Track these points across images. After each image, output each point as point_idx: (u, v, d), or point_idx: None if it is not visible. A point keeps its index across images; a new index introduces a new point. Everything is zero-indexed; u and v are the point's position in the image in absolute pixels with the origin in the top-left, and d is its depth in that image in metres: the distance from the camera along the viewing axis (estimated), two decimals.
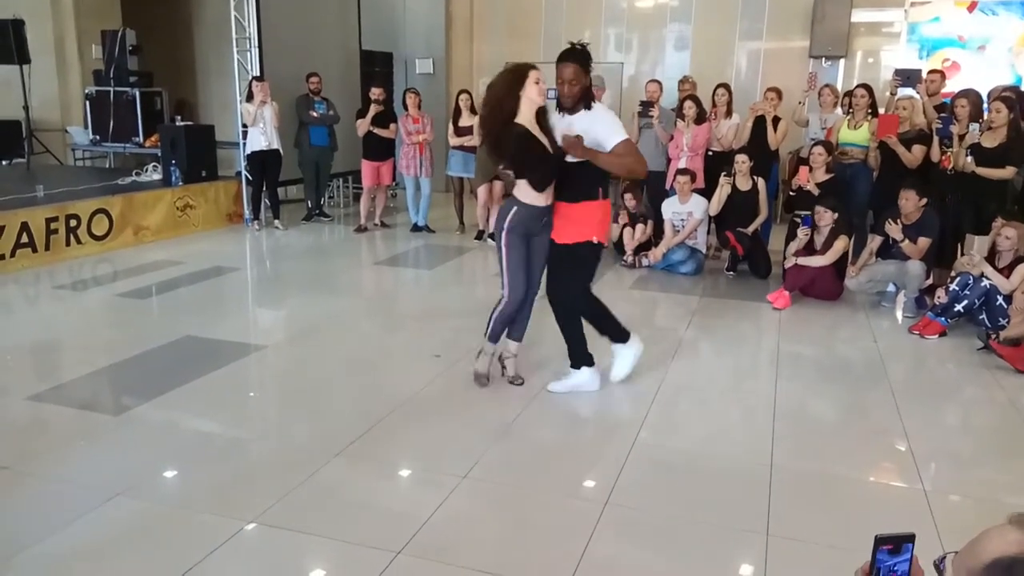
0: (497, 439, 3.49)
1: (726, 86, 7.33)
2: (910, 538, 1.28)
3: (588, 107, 3.78)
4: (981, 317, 5.07)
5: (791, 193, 6.51)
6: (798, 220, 6.19)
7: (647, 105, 7.23)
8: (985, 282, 5.00)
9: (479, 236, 8.03)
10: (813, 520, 2.88)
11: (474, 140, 7.75)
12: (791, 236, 6.23)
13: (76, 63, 11.08)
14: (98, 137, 10.31)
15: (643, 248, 6.98)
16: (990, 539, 1.11)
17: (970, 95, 6.01)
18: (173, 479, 3.14)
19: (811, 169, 6.29)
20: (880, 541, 1.28)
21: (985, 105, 6.02)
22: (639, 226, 6.98)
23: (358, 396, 4.05)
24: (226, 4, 8.43)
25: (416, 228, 8.48)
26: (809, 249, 5.96)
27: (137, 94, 10.02)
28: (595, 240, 3.85)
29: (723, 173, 6.68)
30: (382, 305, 6.18)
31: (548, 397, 3.99)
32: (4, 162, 10.14)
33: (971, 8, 9.10)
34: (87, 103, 10.38)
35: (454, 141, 8.15)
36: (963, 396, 4.40)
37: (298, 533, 2.71)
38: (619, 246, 7.15)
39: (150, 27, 11.08)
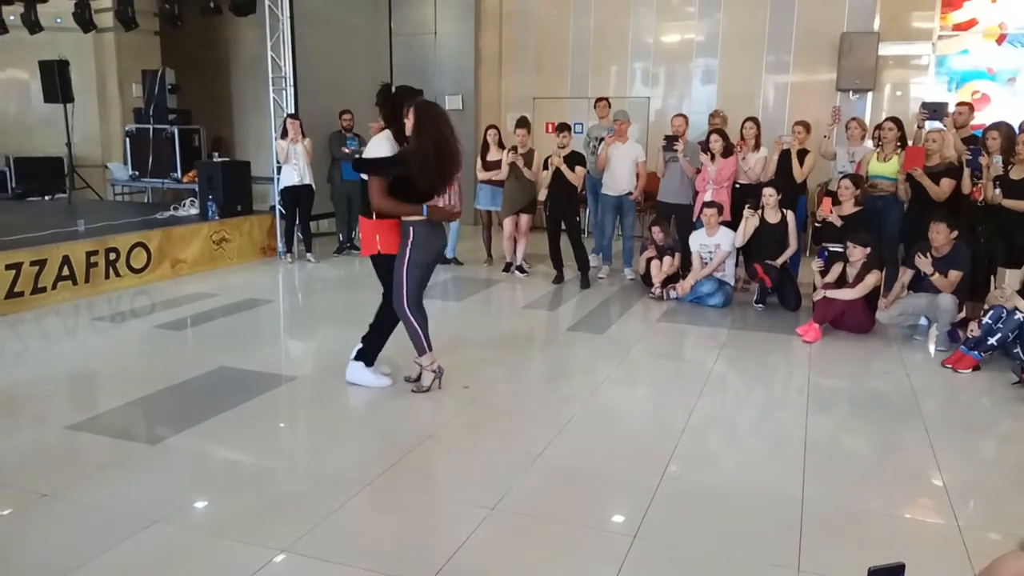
0: (526, 470, 3.50)
1: (754, 119, 7.35)
2: (901, 568, 1.30)
3: None
4: (1016, 351, 4.99)
5: (816, 225, 6.50)
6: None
7: (672, 139, 7.29)
8: (1019, 315, 4.93)
9: (507, 268, 8.09)
10: (845, 556, 2.84)
11: (501, 174, 7.86)
12: None
13: (117, 101, 11.46)
14: (137, 173, 10.61)
15: (671, 280, 6.99)
16: (1003, 565, 1.13)
17: (1002, 127, 5.99)
18: (207, 508, 3.19)
19: (839, 202, 6.27)
20: (873, 574, 1.29)
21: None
22: (667, 258, 7.00)
23: (387, 426, 4.09)
24: (262, 44, 8.69)
25: (444, 260, 8.57)
26: (840, 282, 5.93)
27: (175, 131, 10.31)
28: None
29: (747, 206, 6.69)
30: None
31: (575, 430, 4.00)
32: (46, 197, 10.45)
33: (1000, 40, 9.09)
34: (127, 140, 10.71)
35: (482, 175, 8.26)
36: (998, 430, 4.33)
37: (328, 563, 2.74)
38: (647, 278, 7.17)
39: (189, 67, 11.43)
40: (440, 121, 4.13)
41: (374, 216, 4.30)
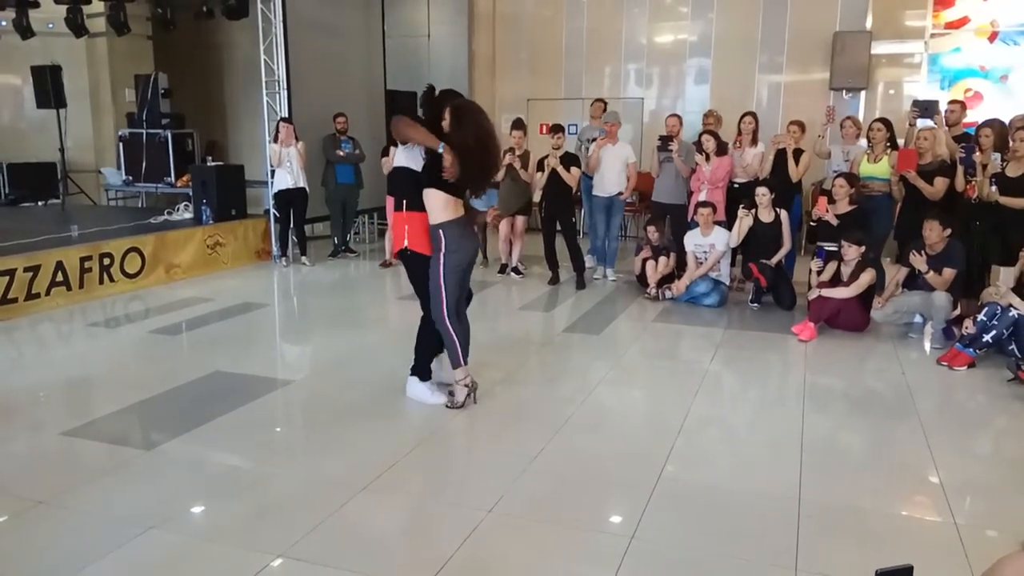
0: (522, 473, 3.50)
1: (753, 114, 7.36)
2: (909, 570, 1.29)
3: None
4: (1010, 347, 5.01)
5: (811, 224, 6.51)
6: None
7: (666, 139, 7.30)
8: (1013, 312, 4.95)
9: (502, 270, 8.09)
10: (843, 555, 2.85)
11: (497, 176, 7.84)
12: None
13: (110, 106, 11.45)
14: (131, 178, 10.59)
15: (666, 280, 7.00)
16: (1005, 567, 1.12)
17: (994, 125, 6.02)
18: (203, 513, 3.18)
19: (834, 201, 6.29)
20: None
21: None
22: (662, 259, 7.00)
23: (384, 430, 4.08)
24: (255, 48, 8.68)
25: None
26: (835, 280, 5.94)
27: (169, 136, 10.30)
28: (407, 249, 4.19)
29: (741, 206, 6.70)
30: (407, 339, 6.19)
31: (572, 431, 4.00)
32: (40, 203, 10.42)
33: (992, 38, 9.12)
34: (120, 145, 10.69)
35: None
36: (994, 427, 4.34)
37: (325, 567, 2.73)
38: (642, 279, 7.17)
39: (182, 71, 11.41)
40: (480, 116, 4.10)
41: (404, 207, 4.13)
